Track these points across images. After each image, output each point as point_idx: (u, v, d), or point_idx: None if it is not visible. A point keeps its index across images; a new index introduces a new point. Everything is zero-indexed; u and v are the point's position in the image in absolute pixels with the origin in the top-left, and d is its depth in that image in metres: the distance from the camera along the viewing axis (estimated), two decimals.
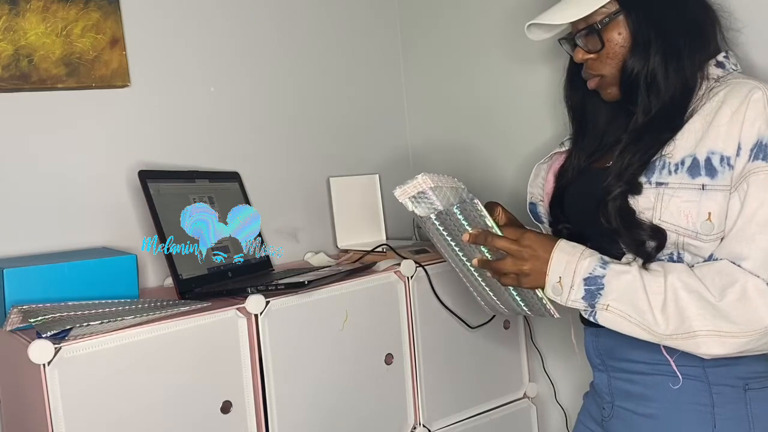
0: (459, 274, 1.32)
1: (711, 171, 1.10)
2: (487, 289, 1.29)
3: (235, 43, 1.83)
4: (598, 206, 1.18)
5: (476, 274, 1.27)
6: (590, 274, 1.14)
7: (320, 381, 1.48)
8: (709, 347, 1.06)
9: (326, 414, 1.49)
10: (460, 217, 1.17)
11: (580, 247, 1.17)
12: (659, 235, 1.13)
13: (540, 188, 1.43)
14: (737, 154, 1.08)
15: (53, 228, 1.56)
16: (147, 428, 1.26)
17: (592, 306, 1.14)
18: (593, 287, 1.13)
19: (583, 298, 1.14)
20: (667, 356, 1.17)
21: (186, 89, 1.75)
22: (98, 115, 1.62)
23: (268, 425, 1.40)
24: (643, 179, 1.16)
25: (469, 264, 1.24)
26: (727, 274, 1.07)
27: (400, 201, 1.19)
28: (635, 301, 1.11)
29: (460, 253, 1.24)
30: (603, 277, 1.13)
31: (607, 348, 1.27)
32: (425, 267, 1.63)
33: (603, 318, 1.14)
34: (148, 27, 1.68)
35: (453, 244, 1.23)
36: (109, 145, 1.64)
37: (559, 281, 1.15)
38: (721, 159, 1.09)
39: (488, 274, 1.22)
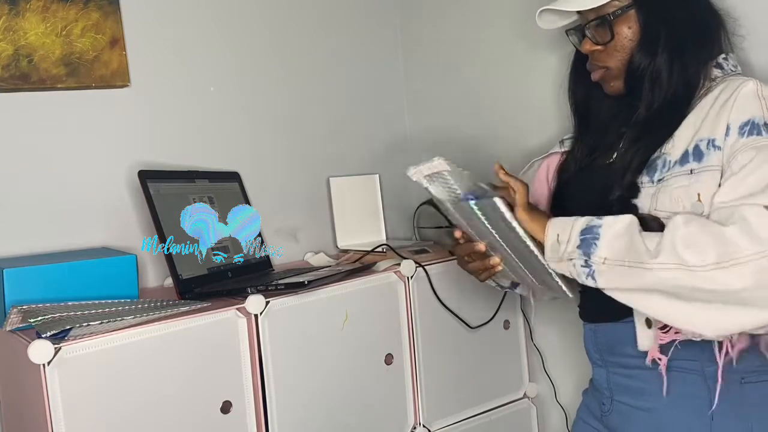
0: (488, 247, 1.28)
1: (698, 155, 1.12)
2: (517, 261, 1.25)
3: (235, 43, 1.82)
4: (600, 207, 1.18)
5: (507, 248, 1.23)
6: (587, 225, 1.12)
7: (320, 381, 1.48)
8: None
9: (326, 414, 1.49)
10: (478, 212, 1.17)
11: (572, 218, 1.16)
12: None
13: (529, 181, 1.43)
14: (726, 134, 1.10)
15: (53, 228, 1.56)
16: (147, 428, 1.26)
17: (589, 264, 1.10)
18: (589, 236, 1.10)
19: (578, 247, 1.11)
20: (661, 357, 1.17)
21: (186, 89, 1.74)
22: (98, 115, 1.62)
23: (268, 425, 1.40)
24: (645, 178, 1.17)
25: (501, 240, 1.21)
26: (724, 213, 1.05)
27: (413, 180, 1.18)
28: (630, 243, 1.07)
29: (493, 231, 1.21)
30: (600, 226, 1.11)
31: (605, 343, 1.27)
32: (425, 267, 1.63)
33: (602, 278, 1.09)
34: (148, 27, 1.68)
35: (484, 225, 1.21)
36: (109, 145, 1.64)
37: (557, 238, 1.13)
38: (708, 143, 1.11)
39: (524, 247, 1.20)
